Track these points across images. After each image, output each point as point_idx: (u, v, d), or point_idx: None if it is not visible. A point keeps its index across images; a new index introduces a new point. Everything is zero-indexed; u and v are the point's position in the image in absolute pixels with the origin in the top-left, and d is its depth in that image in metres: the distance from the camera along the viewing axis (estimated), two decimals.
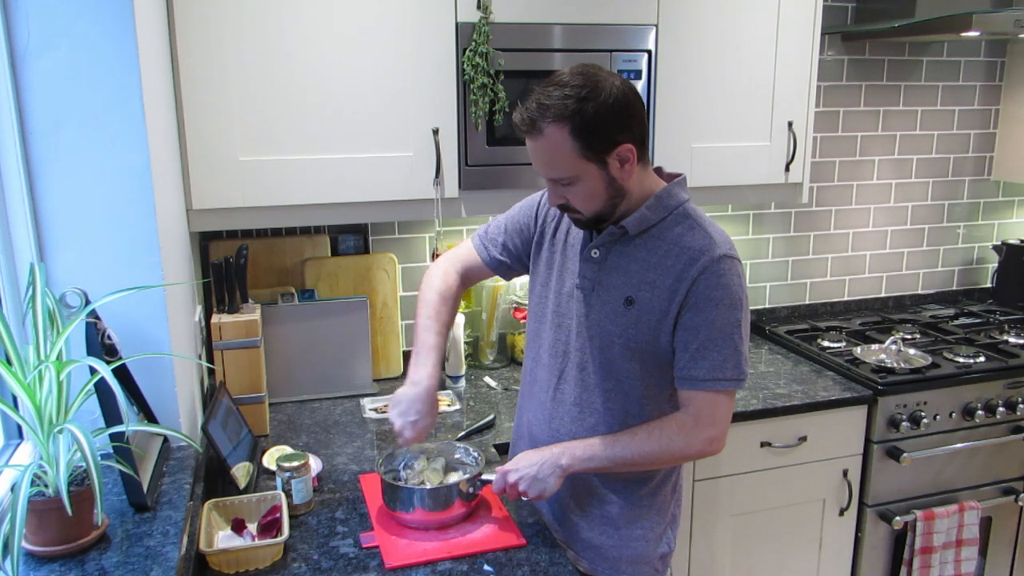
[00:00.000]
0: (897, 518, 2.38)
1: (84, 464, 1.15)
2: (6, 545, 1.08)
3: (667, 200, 1.49)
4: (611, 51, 2.12)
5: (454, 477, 1.65)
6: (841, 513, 2.39)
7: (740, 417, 2.20)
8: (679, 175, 1.55)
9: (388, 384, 2.39)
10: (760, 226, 2.87)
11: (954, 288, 3.20)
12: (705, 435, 1.48)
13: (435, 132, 2.03)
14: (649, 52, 2.16)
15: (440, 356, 1.66)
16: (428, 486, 1.58)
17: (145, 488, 1.36)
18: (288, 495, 1.60)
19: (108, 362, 1.23)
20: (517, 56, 2.05)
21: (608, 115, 1.36)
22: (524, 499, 1.53)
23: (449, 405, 2.21)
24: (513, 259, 1.72)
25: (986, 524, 2.54)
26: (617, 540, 1.62)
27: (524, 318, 2.51)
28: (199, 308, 2.07)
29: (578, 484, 1.62)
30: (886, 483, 2.40)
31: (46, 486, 1.20)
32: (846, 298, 3.06)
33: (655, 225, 1.49)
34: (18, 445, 1.51)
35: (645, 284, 1.48)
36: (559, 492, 1.57)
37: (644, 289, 1.48)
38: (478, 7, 2.00)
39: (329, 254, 2.40)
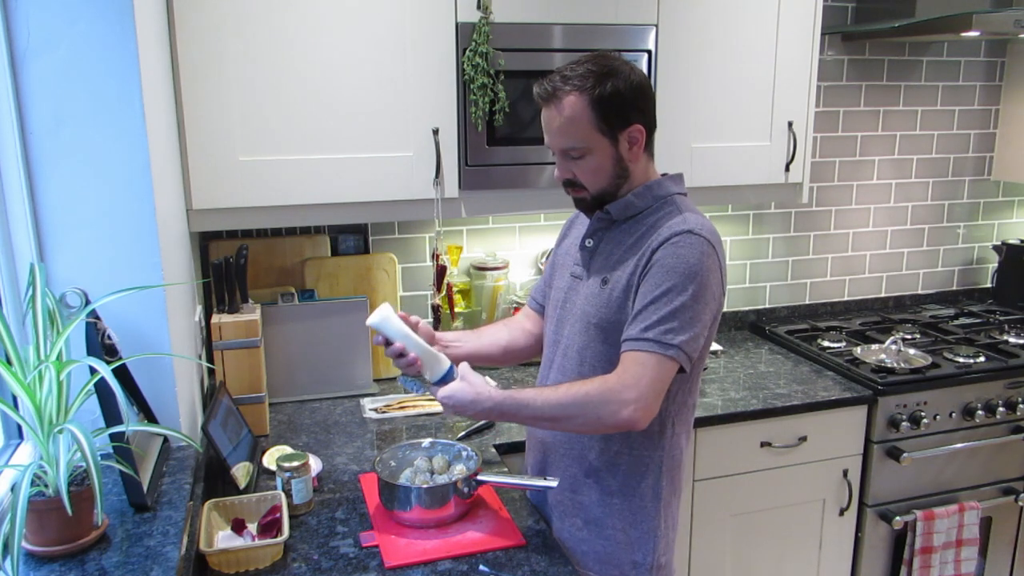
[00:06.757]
0: (897, 518, 2.38)
1: (84, 464, 1.15)
2: (6, 545, 1.08)
3: (656, 190, 1.53)
4: (611, 51, 2.12)
5: (451, 476, 1.65)
6: (841, 513, 2.38)
7: (740, 417, 2.20)
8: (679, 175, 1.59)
9: (388, 384, 2.39)
10: (760, 226, 2.87)
11: (954, 288, 3.20)
12: (623, 396, 1.39)
13: (435, 132, 2.03)
14: (649, 52, 2.16)
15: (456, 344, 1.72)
16: (424, 484, 1.58)
17: (145, 488, 1.36)
18: (288, 495, 1.60)
19: (108, 362, 1.23)
20: (517, 56, 2.05)
21: (626, 93, 1.44)
22: None
23: None
24: (546, 299, 1.76)
25: (986, 524, 2.54)
26: (587, 534, 1.60)
27: None
28: (199, 308, 2.06)
29: (566, 479, 1.61)
30: (886, 483, 2.40)
31: (46, 486, 1.20)
32: (846, 298, 3.05)
33: (640, 212, 1.53)
34: (18, 445, 1.51)
35: (620, 264, 1.51)
36: (555, 490, 1.60)
37: (618, 268, 1.51)
38: (478, 7, 2.00)
39: (329, 254, 2.40)
